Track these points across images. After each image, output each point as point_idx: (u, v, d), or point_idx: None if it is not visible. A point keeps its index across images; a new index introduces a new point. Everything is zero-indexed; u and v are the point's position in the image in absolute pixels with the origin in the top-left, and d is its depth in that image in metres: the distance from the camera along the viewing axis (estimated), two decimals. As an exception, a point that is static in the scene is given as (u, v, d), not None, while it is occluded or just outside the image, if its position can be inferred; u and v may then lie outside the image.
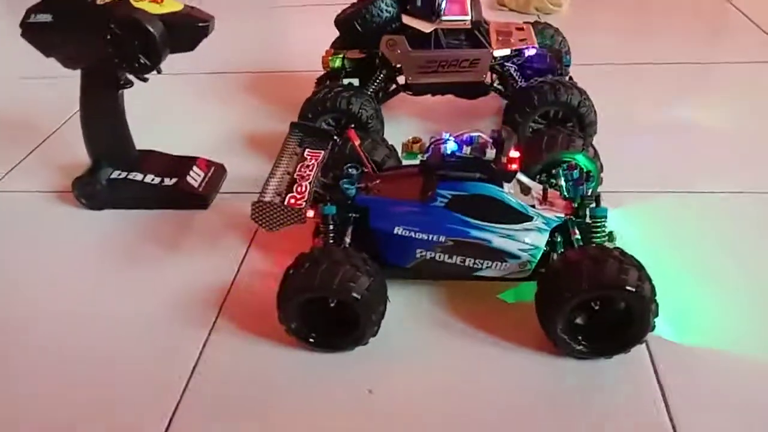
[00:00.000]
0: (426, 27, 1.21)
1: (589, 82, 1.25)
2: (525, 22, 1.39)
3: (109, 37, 1.01)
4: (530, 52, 1.25)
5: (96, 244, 1.15)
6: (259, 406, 0.85)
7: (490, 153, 0.89)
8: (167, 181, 1.21)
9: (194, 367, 0.90)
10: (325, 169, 1.00)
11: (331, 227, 0.94)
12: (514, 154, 0.89)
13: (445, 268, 0.92)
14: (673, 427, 0.78)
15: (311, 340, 0.89)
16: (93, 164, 1.21)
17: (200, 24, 1.05)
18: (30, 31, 1.07)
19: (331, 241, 0.93)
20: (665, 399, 0.81)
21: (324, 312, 0.86)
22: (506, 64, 1.26)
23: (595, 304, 0.82)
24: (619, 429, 0.79)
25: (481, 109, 1.43)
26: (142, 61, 1.03)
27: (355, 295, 0.82)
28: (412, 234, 0.90)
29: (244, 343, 0.93)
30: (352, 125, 1.15)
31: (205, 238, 1.15)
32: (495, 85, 1.29)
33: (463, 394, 0.85)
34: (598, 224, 0.91)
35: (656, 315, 0.80)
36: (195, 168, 1.25)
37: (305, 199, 0.92)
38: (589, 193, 0.95)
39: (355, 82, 1.33)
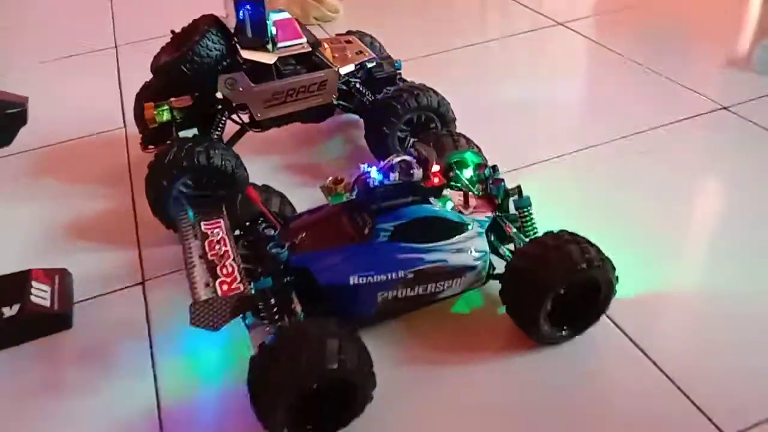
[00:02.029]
0: (269, 58, 1.11)
1: (412, 78, 1.27)
2: (339, 35, 1.37)
3: None
4: (371, 63, 1.23)
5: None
6: None
7: (418, 173, 0.86)
8: (7, 311, 0.95)
9: None
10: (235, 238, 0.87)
11: (272, 302, 0.82)
12: (436, 167, 0.87)
13: (409, 302, 0.87)
14: (655, 365, 0.86)
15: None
16: None
17: (12, 111, 0.83)
18: None
19: (276, 317, 0.82)
20: (641, 349, 0.88)
21: (310, 398, 0.75)
22: (351, 79, 1.22)
23: (562, 289, 0.85)
24: (621, 387, 0.84)
25: (323, 129, 1.38)
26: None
27: (350, 367, 0.73)
28: (370, 279, 0.83)
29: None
30: (248, 184, 1.01)
31: (92, 360, 0.93)
32: (339, 102, 1.24)
33: (472, 413, 0.82)
34: (526, 213, 0.94)
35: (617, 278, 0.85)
36: (34, 283, 1.00)
37: (239, 280, 0.79)
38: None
39: (191, 132, 1.18)
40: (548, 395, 0.83)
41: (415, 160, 0.85)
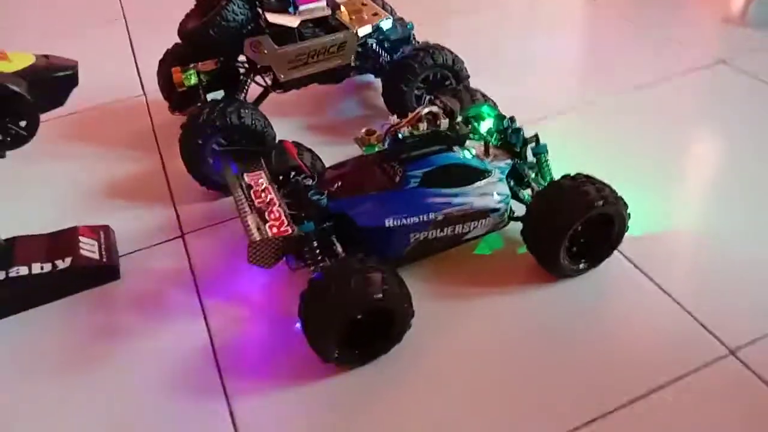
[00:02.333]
0: (292, 21, 1.17)
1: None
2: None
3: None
4: (387, 24, 1.28)
5: (22, 365, 0.93)
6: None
7: (444, 123, 0.93)
8: (60, 264, 1.02)
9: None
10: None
11: (315, 244, 0.89)
12: (460, 117, 0.94)
13: (438, 243, 0.94)
14: (662, 289, 0.94)
15: (357, 357, 0.85)
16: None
17: (67, 73, 0.89)
18: None
19: (320, 257, 0.89)
20: (650, 277, 0.96)
21: (356, 326, 0.83)
22: (368, 40, 1.28)
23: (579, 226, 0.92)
24: (632, 312, 0.92)
25: (337, 92, 1.43)
26: (13, 132, 0.84)
27: (392, 297, 0.81)
28: (404, 221, 0.90)
29: (271, 399, 0.86)
30: (280, 140, 1.08)
31: (142, 307, 1.00)
32: (357, 63, 1.30)
33: (498, 340, 0.90)
34: (543, 159, 1.01)
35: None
36: (82, 239, 1.07)
37: (286, 223, 0.86)
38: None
39: (220, 94, 1.24)
40: (566, 321, 0.91)
41: (441, 111, 0.92)
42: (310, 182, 0.94)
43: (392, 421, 0.81)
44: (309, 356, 0.87)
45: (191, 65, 1.23)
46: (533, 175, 1.00)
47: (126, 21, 1.90)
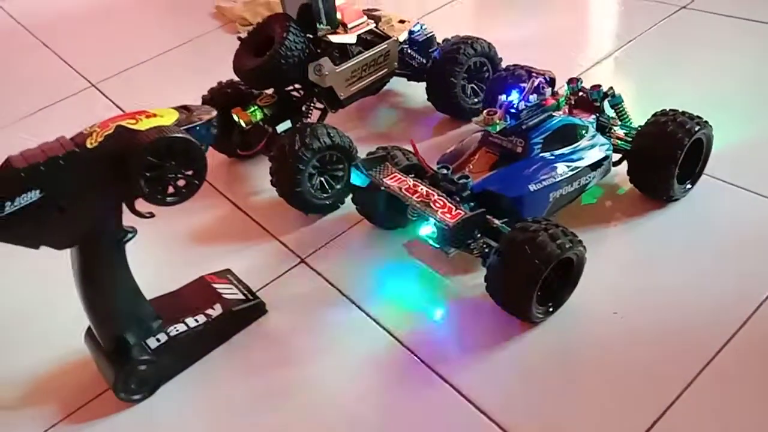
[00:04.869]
0: (350, 38, 1.23)
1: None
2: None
3: (147, 174, 0.81)
4: (416, 27, 1.38)
5: (212, 415, 0.93)
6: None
7: (548, 90, 1.04)
8: (213, 312, 1.02)
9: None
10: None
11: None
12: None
13: (569, 196, 1.05)
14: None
15: (550, 309, 0.94)
16: (120, 347, 0.94)
17: (209, 121, 0.91)
18: (9, 225, 0.78)
19: (479, 235, 0.97)
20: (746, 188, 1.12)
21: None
22: (403, 46, 1.37)
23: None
24: (733, 227, 1.07)
25: (366, 104, 1.50)
26: (185, 183, 0.86)
27: (572, 245, 0.90)
28: (544, 183, 1.00)
29: (486, 366, 0.92)
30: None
31: (307, 333, 1.02)
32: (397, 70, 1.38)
33: (623, 262, 1.02)
34: (621, 109, 1.15)
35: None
36: (216, 285, 1.07)
37: (455, 208, 0.94)
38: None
39: (288, 124, 1.28)
40: (679, 243, 1.05)
41: (545, 82, 1.03)
42: (445, 171, 1.01)
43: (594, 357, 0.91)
44: (498, 322, 0.95)
45: (251, 103, 1.27)
46: (620, 123, 1.13)
47: (97, 87, 1.86)
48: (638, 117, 1.14)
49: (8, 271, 1.19)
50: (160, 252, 1.22)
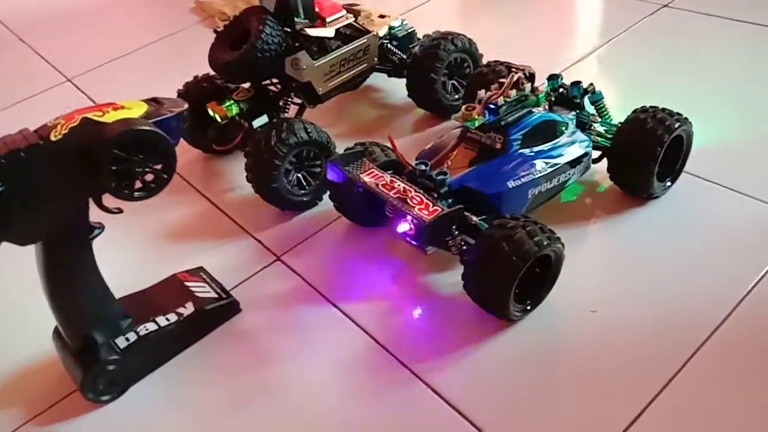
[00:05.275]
0: (328, 31, 1.21)
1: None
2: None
3: (113, 168, 0.78)
4: (397, 23, 1.36)
5: (191, 415, 0.91)
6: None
7: (527, 86, 1.03)
8: (185, 311, 0.99)
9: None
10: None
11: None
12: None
13: (547, 193, 1.04)
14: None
15: (527, 308, 0.92)
16: (88, 346, 0.92)
17: (179, 112, 0.88)
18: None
19: (457, 232, 0.95)
20: (735, 189, 1.12)
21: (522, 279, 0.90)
22: (383, 41, 1.35)
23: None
24: (720, 221, 1.07)
25: (344, 100, 1.48)
26: (155, 176, 0.83)
27: (550, 242, 0.89)
28: (523, 179, 0.99)
29: (461, 365, 0.91)
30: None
31: (281, 331, 1.00)
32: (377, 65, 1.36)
33: (604, 258, 1.01)
34: (601, 105, 1.14)
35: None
36: (188, 283, 1.05)
37: (432, 205, 0.92)
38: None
39: (264, 119, 1.26)
40: (659, 241, 1.04)
41: (525, 77, 1.02)
42: (423, 167, 0.99)
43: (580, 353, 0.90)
44: (476, 320, 0.94)
45: (228, 97, 1.24)
46: (599, 120, 1.12)
47: (72, 82, 1.82)
48: (619, 114, 1.13)
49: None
50: (131, 248, 1.19)
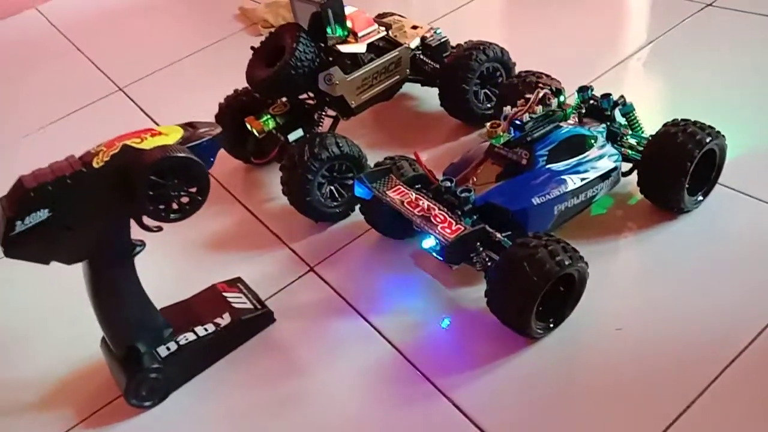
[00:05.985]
0: (360, 47, 1.24)
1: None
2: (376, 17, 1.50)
3: (150, 192, 0.84)
4: (429, 33, 1.37)
5: (225, 422, 0.96)
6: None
7: (554, 102, 1.03)
8: (222, 321, 1.05)
9: None
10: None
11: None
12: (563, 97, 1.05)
13: (575, 209, 1.04)
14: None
15: (551, 325, 0.93)
16: (132, 355, 0.98)
17: (212, 137, 0.93)
18: (20, 243, 0.81)
19: (481, 248, 0.97)
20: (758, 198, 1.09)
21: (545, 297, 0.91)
22: (415, 52, 1.36)
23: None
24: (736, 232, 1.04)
25: (371, 113, 1.49)
26: (190, 199, 0.88)
27: (573, 261, 0.89)
28: (548, 196, 0.99)
29: (484, 381, 0.92)
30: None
31: (311, 342, 1.04)
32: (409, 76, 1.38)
33: (638, 275, 1.01)
34: (632, 117, 1.13)
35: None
36: (226, 294, 1.10)
37: (455, 223, 0.94)
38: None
39: (299, 133, 1.30)
40: (690, 256, 1.03)
41: (551, 93, 1.02)
42: (448, 184, 1.01)
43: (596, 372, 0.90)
44: (500, 336, 0.95)
45: (264, 111, 1.29)
46: (630, 132, 1.11)
47: (124, 91, 1.90)
48: (654, 124, 1.11)
49: (29, 282, 1.24)
50: (175, 258, 1.25)
